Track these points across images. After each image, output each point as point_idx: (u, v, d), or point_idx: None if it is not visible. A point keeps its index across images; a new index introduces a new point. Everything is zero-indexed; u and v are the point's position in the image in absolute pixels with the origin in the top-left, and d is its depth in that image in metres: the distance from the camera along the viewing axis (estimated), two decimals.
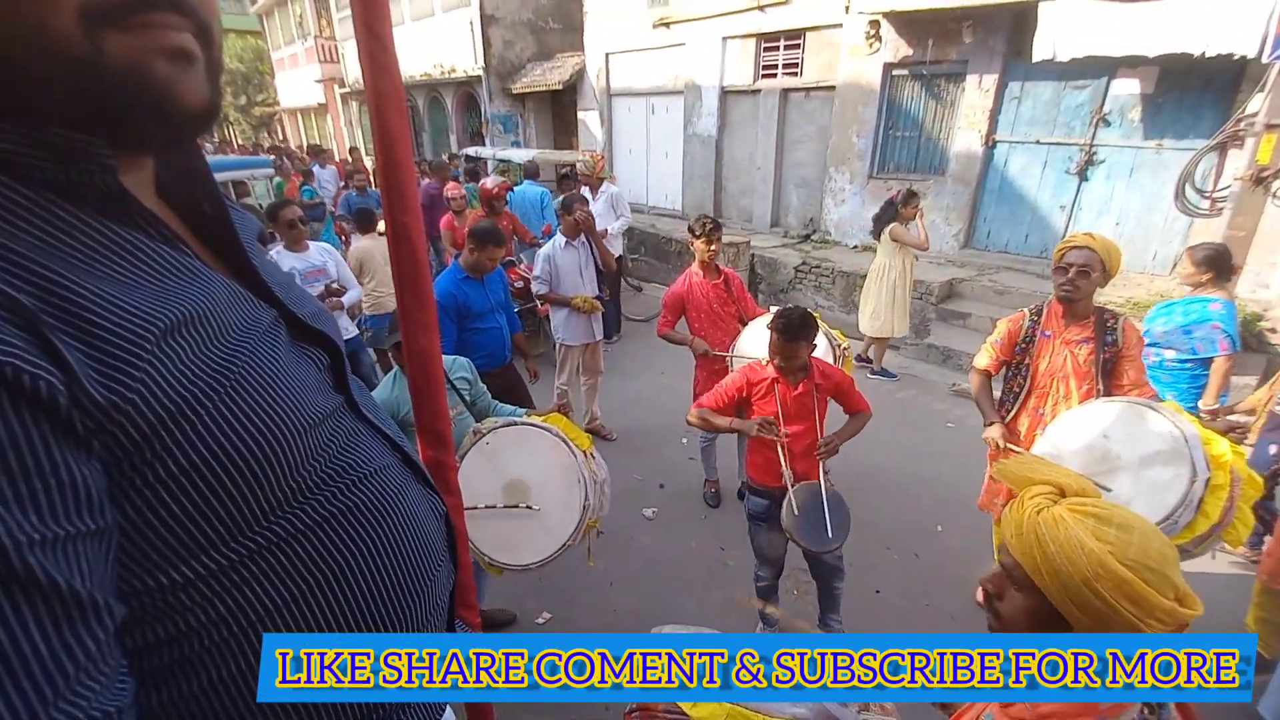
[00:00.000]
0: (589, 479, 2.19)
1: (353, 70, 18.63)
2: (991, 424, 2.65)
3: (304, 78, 20.70)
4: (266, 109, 27.07)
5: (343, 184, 9.65)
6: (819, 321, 3.13)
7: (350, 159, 12.31)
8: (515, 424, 2.26)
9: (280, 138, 25.86)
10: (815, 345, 2.41)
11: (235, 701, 0.63)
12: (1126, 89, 6.06)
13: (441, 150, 16.39)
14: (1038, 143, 6.76)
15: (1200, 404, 3.24)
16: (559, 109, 13.76)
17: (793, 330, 2.32)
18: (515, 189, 6.80)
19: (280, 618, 0.65)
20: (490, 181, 5.71)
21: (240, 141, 27.81)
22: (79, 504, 0.47)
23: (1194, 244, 3.40)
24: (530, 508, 2.18)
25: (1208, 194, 4.96)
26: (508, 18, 13.11)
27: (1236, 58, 4.77)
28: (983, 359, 2.77)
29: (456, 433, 2.38)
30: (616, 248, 6.13)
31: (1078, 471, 2.08)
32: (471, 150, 10.23)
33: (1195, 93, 5.68)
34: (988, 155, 7.11)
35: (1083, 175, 6.51)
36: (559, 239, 4.19)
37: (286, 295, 0.74)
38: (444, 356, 2.40)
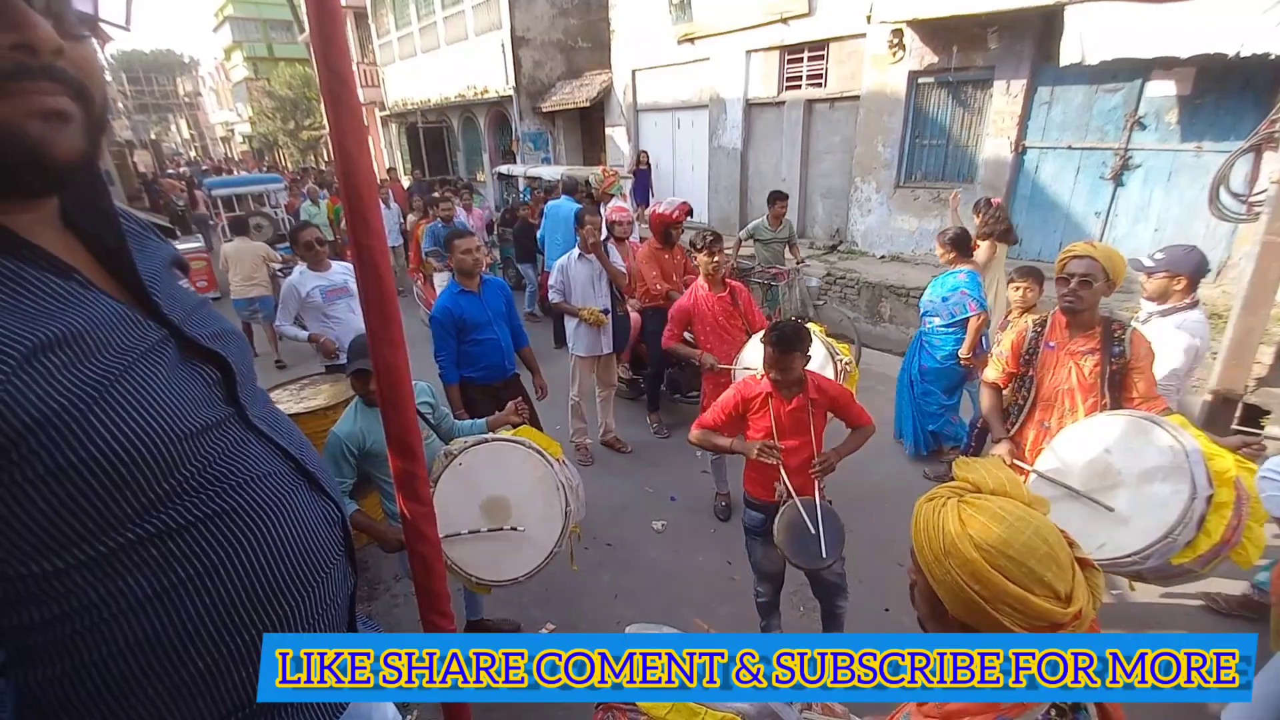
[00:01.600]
0: (566, 485, 2.22)
1: (392, 94, 19.34)
2: (1000, 440, 2.59)
3: None
4: (313, 133, 28.27)
5: (420, 216, 8.39)
6: (820, 334, 3.11)
7: (388, 177, 12.74)
8: (486, 441, 2.28)
9: (326, 159, 26.93)
10: (810, 357, 2.39)
11: (109, 681, 0.70)
12: (1162, 91, 5.86)
13: (475, 170, 16.85)
14: (1069, 148, 6.58)
15: (960, 353, 3.90)
16: (587, 125, 14.00)
17: (786, 342, 2.30)
18: (550, 204, 6.96)
19: (153, 607, 0.71)
20: (665, 206, 4.77)
21: (288, 165, 29.08)
22: None
23: (943, 229, 4.08)
24: (515, 529, 2.20)
25: (1244, 198, 4.73)
26: (538, 38, 13.44)
27: (1274, 57, 4.58)
28: (991, 372, 2.71)
29: (425, 458, 2.43)
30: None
31: (1079, 486, 2.04)
32: (504, 168, 10.45)
33: (1234, 93, 5.46)
34: (1018, 162, 6.94)
35: (1118, 180, 6.30)
36: (574, 251, 4.28)
37: (185, 317, 0.82)
38: None
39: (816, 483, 2.41)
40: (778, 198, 6.15)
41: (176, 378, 0.75)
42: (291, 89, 28.78)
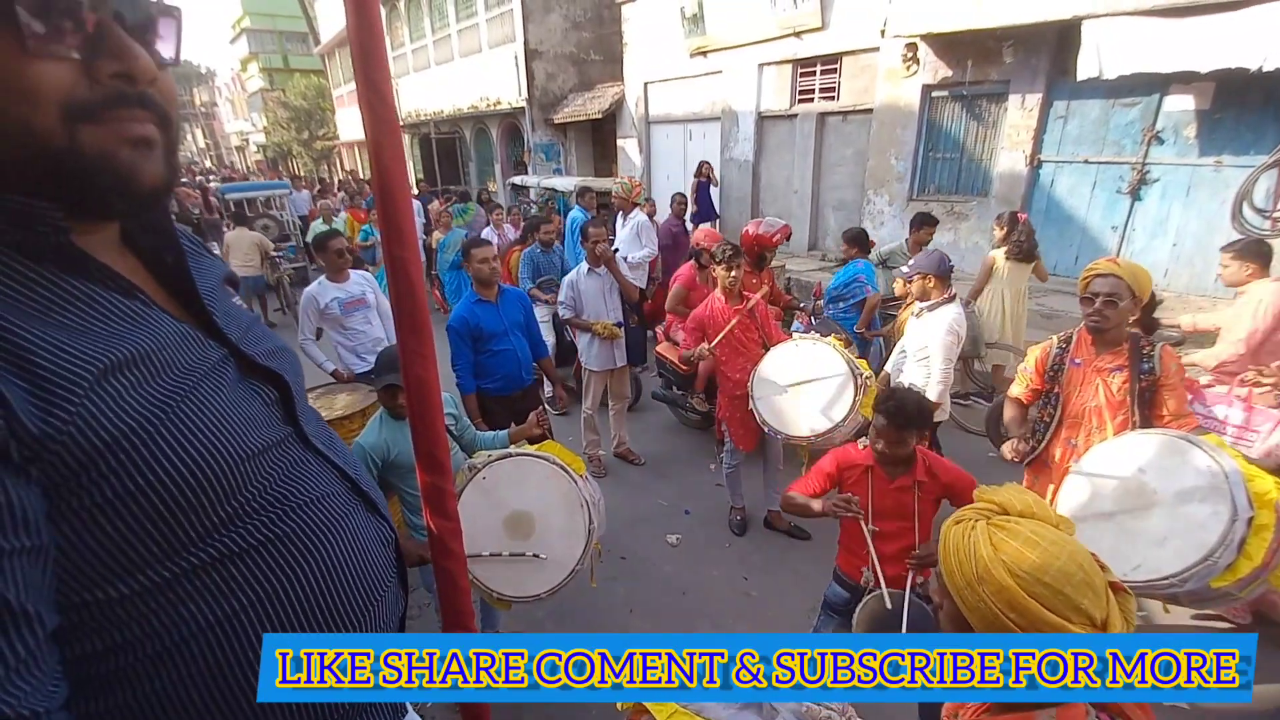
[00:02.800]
0: (590, 502, 2.19)
1: (406, 105, 19.55)
2: (1008, 441, 2.61)
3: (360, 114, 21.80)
4: (327, 142, 28.60)
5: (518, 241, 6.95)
6: (839, 348, 3.03)
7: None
8: (510, 455, 2.26)
9: (341, 169, 27.24)
10: (926, 437, 2.15)
11: (169, 712, 0.68)
12: (1180, 105, 5.83)
13: (488, 179, 16.97)
14: (1086, 162, 6.54)
15: (856, 328, 4.55)
16: (599, 137, 14.09)
17: (903, 415, 2.04)
18: (571, 214, 6.98)
19: (215, 635, 0.69)
20: (764, 227, 4.42)
21: (302, 173, 29.40)
22: (14, 523, 0.53)
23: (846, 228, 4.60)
24: (538, 556, 2.15)
25: (1268, 213, 4.68)
26: (550, 51, 13.57)
27: None
28: (1016, 388, 2.68)
29: None
30: (638, 279, 5.94)
31: (1112, 507, 2.00)
32: (517, 179, 10.48)
33: (1255, 108, 5.42)
34: (1033, 176, 6.91)
35: (1135, 195, 6.25)
36: (582, 266, 4.23)
37: (242, 336, 0.81)
38: None
39: (911, 576, 2.12)
40: (925, 222, 5.09)
41: (237, 397, 0.75)
42: (306, 99, 29.16)
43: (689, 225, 7.36)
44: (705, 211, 9.08)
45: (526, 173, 13.75)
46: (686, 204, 7.42)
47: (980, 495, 1.01)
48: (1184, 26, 5.04)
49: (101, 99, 0.60)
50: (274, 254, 8.74)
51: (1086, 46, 5.52)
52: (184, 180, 24.98)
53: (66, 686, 0.58)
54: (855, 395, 2.88)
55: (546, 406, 3.75)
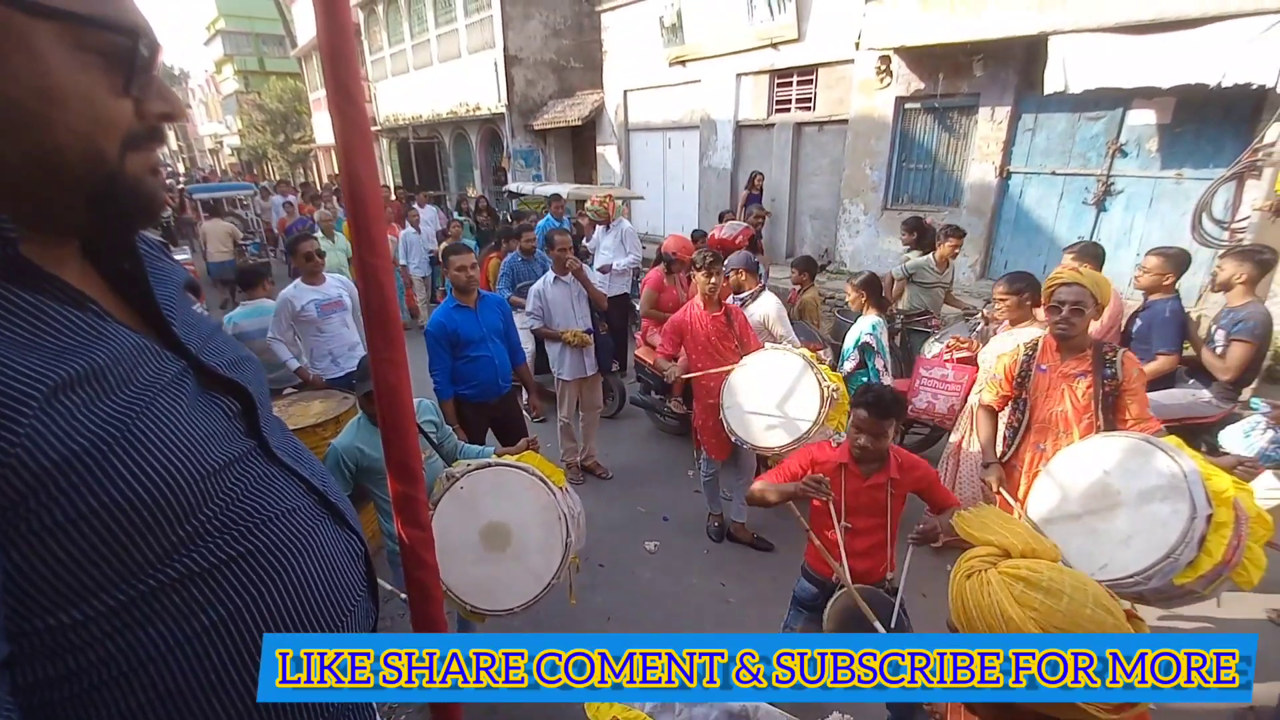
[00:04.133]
0: (568, 515, 2.17)
1: (384, 109, 19.38)
2: (989, 465, 2.60)
3: None
4: (303, 146, 28.22)
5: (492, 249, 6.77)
6: (810, 359, 3.03)
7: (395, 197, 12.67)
8: (489, 465, 2.23)
9: (318, 173, 26.86)
10: (901, 432, 2.19)
11: None
12: (1143, 119, 6.02)
13: (466, 184, 16.88)
14: (1053, 174, 6.72)
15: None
16: (579, 144, 14.11)
17: (883, 406, 2.06)
18: (540, 222, 6.92)
19: (176, 658, 0.67)
20: (725, 231, 4.90)
21: (277, 176, 28.98)
22: None
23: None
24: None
25: (1226, 225, 4.85)
26: (530, 58, 13.58)
27: (1255, 87, 4.72)
28: (987, 395, 2.74)
29: (428, 477, 2.38)
30: (623, 285, 6.00)
31: (1078, 509, 2.05)
32: (513, 186, 10.29)
33: (1214, 122, 5.61)
34: (1002, 186, 7.08)
35: (1100, 206, 6.43)
36: (549, 275, 4.18)
37: (202, 346, 0.79)
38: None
39: (887, 568, 2.13)
40: (953, 233, 5.04)
41: (197, 411, 0.72)
42: (282, 102, 28.77)
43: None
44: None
45: (506, 179, 13.70)
46: (764, 220, 6.98)
47: (968, 531, 0.97)
48: (1146, 43, 5.21)
49: (145, 132, 0.68)
50: (241, 242, 10.43)
51: (1053, 61, 5.68)
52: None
53: (18, 714, 0.56)
54: (821, 408, 2.88)
55: (525, 413, 3.73)
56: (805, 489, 2.08)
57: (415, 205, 10.02)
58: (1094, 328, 3.15)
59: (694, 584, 3.43)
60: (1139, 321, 3.50)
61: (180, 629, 0.67)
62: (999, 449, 2.64)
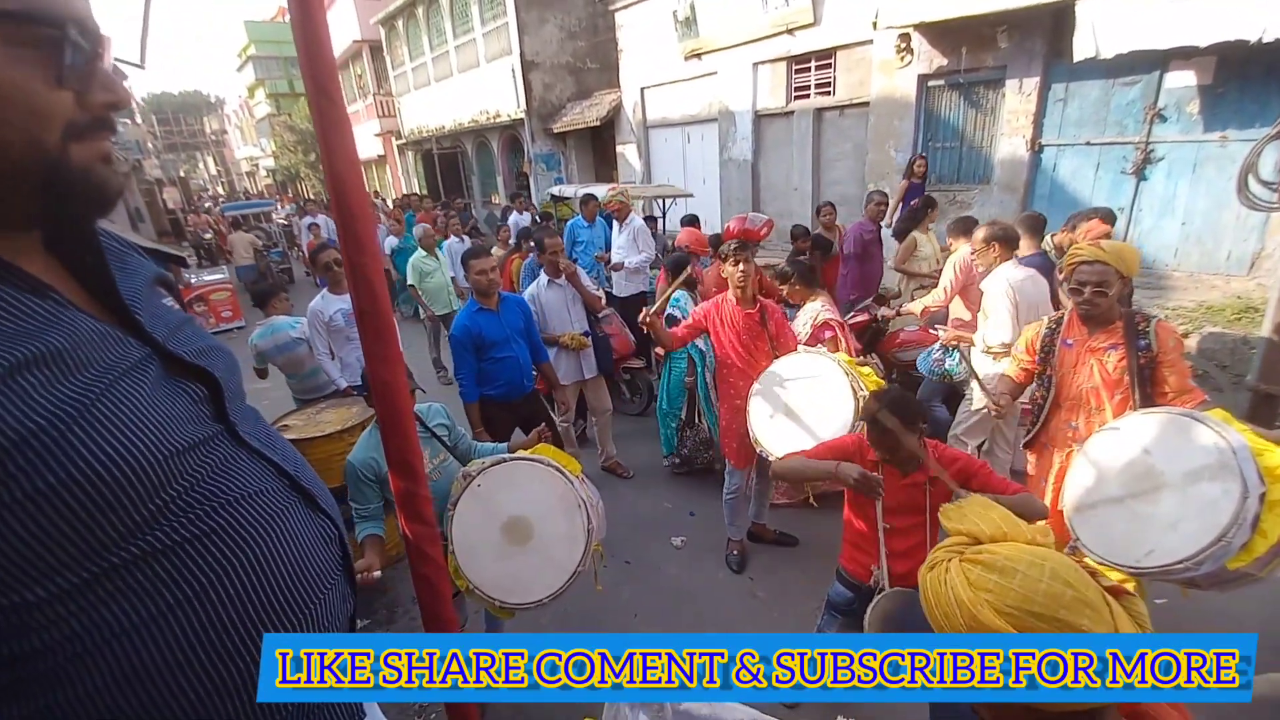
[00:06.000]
0: (587, 503, 2.16)
1: (408, 123, 19.76)
2: (990, 403, 2.62)
3: (364, 132, 22.10)
4: None
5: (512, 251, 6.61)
6: (844, 362, 2.83)
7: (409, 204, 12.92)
8: (504, 461, 2.24)
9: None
10: (922, 429, 2.03)
11: (97, 716, 0.66)
12: (1181, 81, 5.72)
13: (491, 192, 17.09)
14: (1088, 144, 6.45)
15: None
16: (598, 144, 14.14)
17: (878, 425, 1.97)
18: (571, 221, 6.92)
19: (141, 635, 0.68)
20: (749, 222, 4.33)
21: (310, 195, 29.81)
22: None
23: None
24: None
25: (1275, 186, 4.56)
26: (547, 62, 13.66)
27: None
28: (1012, 368, 2.63)
29: (444, 479, 2.39)
30: (640, 283, 5.88)
31: (1119, 492, 1.94)
32: (555, 190, 10.35)
33: (1258, 80, 5.31)
34: (1034, 160, 6.82)
35: (1140, 175, 6.15)
36: (542, 278, 4.10)
37: (169, 335, 0.80)
38: (419, 405, 2.43)
39: None
40: (1094, 215, 4.18)
41: (160, 395, 0.74)
42: (311, 122, 29.56)
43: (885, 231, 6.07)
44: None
45: (528, 184, 13.81)
46: (886, 204, 5.89)
47: (947, 522, 0.95)
48: (1180, 1, 4.95)
49: (88, 122, 0.68)
50: (261, 249, 13.40)
51: (1082, 27, 5.44)
52: (194, 206, 25.56)
53: None
54: (853, 419, 2.65)
55: (552, 415, 3.73)
56: (859, 484, 1.96)
57: (515, 213, 9.49)
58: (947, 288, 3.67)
59: (721, 579, 3.38)
60: None
61: (144, 607, 0.68)
62: (1025, 426, 2.56)
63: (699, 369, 3.94)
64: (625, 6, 11.49)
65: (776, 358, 3.15)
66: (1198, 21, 4.83)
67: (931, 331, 4.21)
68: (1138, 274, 2.28)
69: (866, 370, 2.91)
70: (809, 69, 8.83)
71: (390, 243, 9.21)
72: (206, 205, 25.66)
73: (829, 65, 8.55)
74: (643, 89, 11.81)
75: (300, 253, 13.98)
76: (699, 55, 10.16)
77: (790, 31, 8.62)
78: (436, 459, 2.48)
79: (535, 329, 3.66)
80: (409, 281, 6.48)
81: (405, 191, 20.56)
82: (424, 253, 6.45)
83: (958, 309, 3.98)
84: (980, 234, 3.50)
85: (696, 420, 4.28)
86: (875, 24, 7.35)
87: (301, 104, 30.92)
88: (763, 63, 9.32)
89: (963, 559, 0.86)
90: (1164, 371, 2.20)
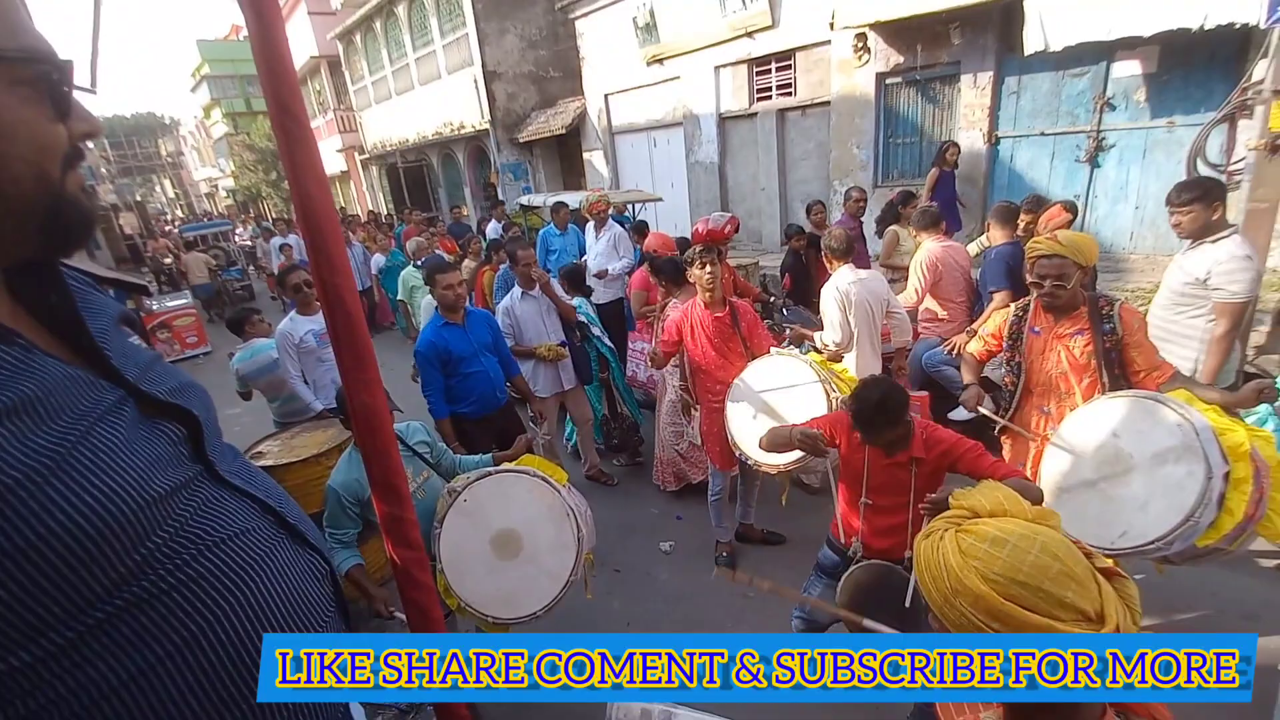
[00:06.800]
0: (576, 511, 2.15)
1: (371, 137, 19.50)
2: (968, 386, 2.64)
3: (326, 149, 21.73)
4: None
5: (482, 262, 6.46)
6: (816, 363, 2.85)
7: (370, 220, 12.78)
8: (489, 475, 2.22)
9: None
10: (909, 421, 2.03)
11: None
12: (1128, 71, 5.92)
13: (458, 202, 16.94)
14: (1042, 134, 6.63)
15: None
16: (565, 152, 14.12)
17: (866, 417, 1.97)
18: (542, 230, 6.87)
19: (130, 692, 0.64)
20: (712, 222, 4.45)
21: (272, 215, 29.22)
22: None
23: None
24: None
25: (1223, 168, 4.76)
26: (509, 71, 13.61)
27: (1238, 26, 4.62)
28: (975, 345, 2.71)
29: (429, 497, 2.35)
30: (619, 290, 5.79)
31: (1093, 475, 1.99)
32: (524, 199, 10.23)
33: (1201, 66, 5.52)
34: (992, 153, 6.99)
35: (1093, 162, 6.34)
36: (516, 290, 4.05)
37: (141, 374, 0.77)
38: (398, 424, 2.40)
39: (909, 547, 1.98)
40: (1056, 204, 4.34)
41: (138, 438, 0.71)
42: (272, 140, 28.97)
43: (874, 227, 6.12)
44: (945, 214, 5.13)
45: (496, 194, 13.71)
46: (864, 200, 5.84)
47: (953, 500, 0.99)
48: None
49: (73, 152, 0.69)
50: (215, 269, 13.46)
51: (1030, 21, 5.60)
52: (154, 230, 24.87)
53: None
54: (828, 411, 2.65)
55: (531, 425, 3.69)
56: (803, 441, 2.10)
57: (494, 221, 9.36)
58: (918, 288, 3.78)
59: (713, 581, 3.38)
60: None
61: (135, 660, 0.65)
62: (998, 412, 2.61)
63: (611, 364, 4.49)
64: (585, 14, 11.51)
65: (751, 358, 3.17)
66: (1141, 12, 5.01)
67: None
68: (1096, 262, 2.35)
69: (840, 368, 2.95)
70: (770, 71, 8.94)
71: (377, 262, 9.06)
72: (166, 229, 24.97)
73: (789, 66, 8.67)
74: (607, 95, 11.83)
75: (262, 272, 14.07)
76: (661, 60, 10.22)
77: (749, 34, 8.72)
78: (420, 478, 2.44)
79: (504, 343, 3.59)
80: (399, 296, 6.37)
81: (370, 207, 20.31)
82: (415, 267, 6.36)
83: (931, 304, 4.04)
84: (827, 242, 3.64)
85: (619, 410, 4.74)
86: (832, 25, 7.47)
87: (260, 122, 30.36)
88: (724, 66, 9.41)
89: (959, 530, 0.89)
90: (1132, 352, 2.26)
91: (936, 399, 4.02)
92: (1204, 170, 4.74)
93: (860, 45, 7.44)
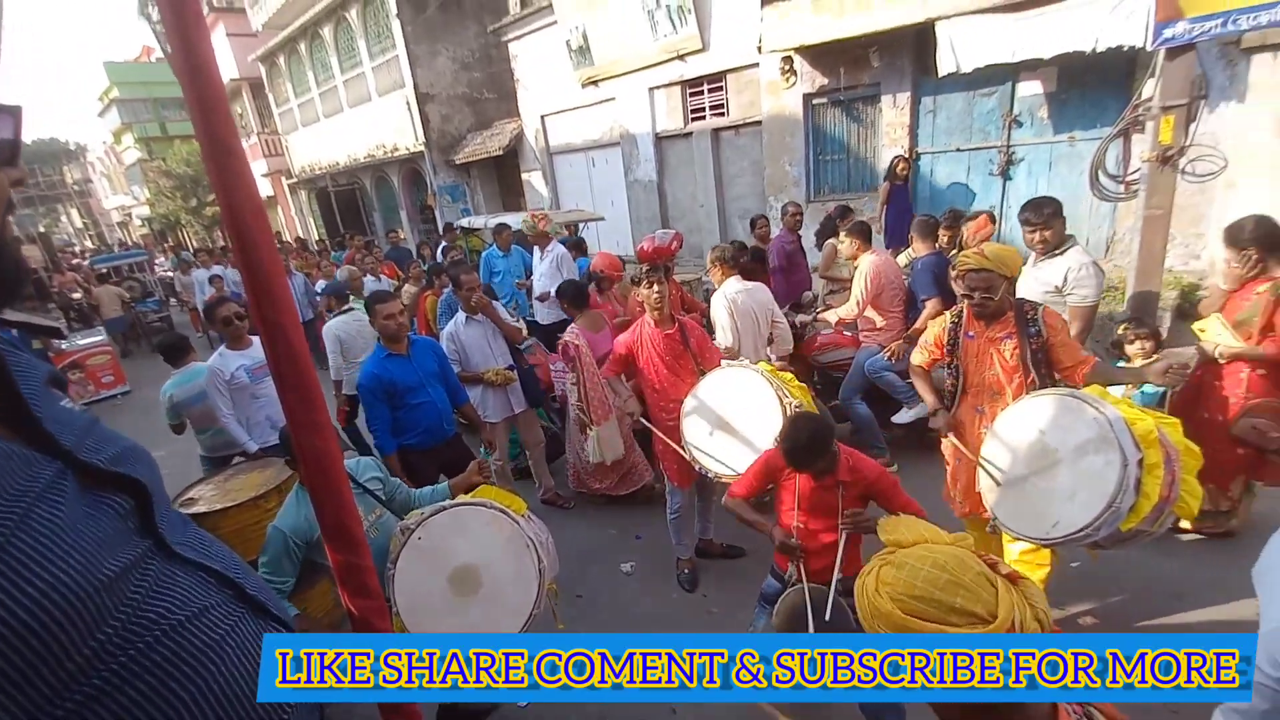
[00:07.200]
0: (536, 542, 2.11)
1: (299, 160, 18.84)
2: (936, 413, 2.72)
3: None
4: (217, 209, 27.05)
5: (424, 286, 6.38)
6: (767, 372, 2.90)
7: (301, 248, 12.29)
8: (444, 509, 2.15)
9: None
10: (836, 454, 2.19)
11: None
12: (1031, 90, 6.40)
13: (394, 226, 16.51)
14: (958, 150, 7.06)
15: None
16: (503, 173, 14.04)
17: (798, 455, 2.12)
18: (485, 252, 6.78)
19: None
20: (658, 240, 4.75)
21: (193, 243, 27.70)
22: None
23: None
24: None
25: (1121, 179, 5.17)
26: (443, 93, 13.46)
27: (1126, 49, 5.07)
28: (918, 356, 2.83)
29: (382, 536, 2.27)
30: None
31: (1025, 470, 2.11)
32: (465, 221, 10.02)
33: (1095, 85, 6.02)
34: (914, 168, 7.38)
35: (1005, 175, 6.79)
36: (460, 316, 3.98)
37: (78, 443, 0.70)
38: (348, 461, 2.31)
39: (836, 566, 2.15)
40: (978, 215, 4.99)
41: (81, 516, 0.64)
42: (190, 165, 27.53)
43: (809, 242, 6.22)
44: (897, 226, 6.43)
45: (434, 217, 13.46)
46: (800, 214, 5.99)
47: (882, 534, 1.07)
48: (1024, 20, 5.57)
49: (7, 201, 0.68)
50: (129, 301, 12.67)
51: (942, 45, 5.98)
52: (63, 265, 23.13)
53: None
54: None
55: (483, 453, 3.58)
56: (781, 550, 2.26)
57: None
58: (859, 299, 3.98)
59: (675, 599, 3.38)
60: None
61: None
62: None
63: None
64: (517, 37, 11.54)
65: (702, 374, 3.17)
66: (1040, 36, 5.44)
67: (846, 334, 4.44)
68: (1019, 272, 2.52)
69: (788, 376, 3.02)
70: (703, 92, 9.19)
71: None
72: (74, 262, 23.23)
73: (721, 88, 8.94)
74: (543, 117, 11.87)
75: (185, 306, 13.02)
76: (595, 82, 10.34)
77: (681, 57, 8.95)
78: (372, 515, 2.35)
79: (451, 371, 3.50)
80: None
81: (300, 234, 19.55)
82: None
83: (871, 314, 4.19)
84: (709, 256, 3.96)
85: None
86: (760, 48, 7.76)
87: (177, 147, 28.80)
88: (658, 87, 9.61)
89: (884, 563, 0.98)
90: (1058, 351, 2.43)
91: (879, 402, 4.19)
92: (1105, 182, 5.14)
93: (787, 68, 7.75)
